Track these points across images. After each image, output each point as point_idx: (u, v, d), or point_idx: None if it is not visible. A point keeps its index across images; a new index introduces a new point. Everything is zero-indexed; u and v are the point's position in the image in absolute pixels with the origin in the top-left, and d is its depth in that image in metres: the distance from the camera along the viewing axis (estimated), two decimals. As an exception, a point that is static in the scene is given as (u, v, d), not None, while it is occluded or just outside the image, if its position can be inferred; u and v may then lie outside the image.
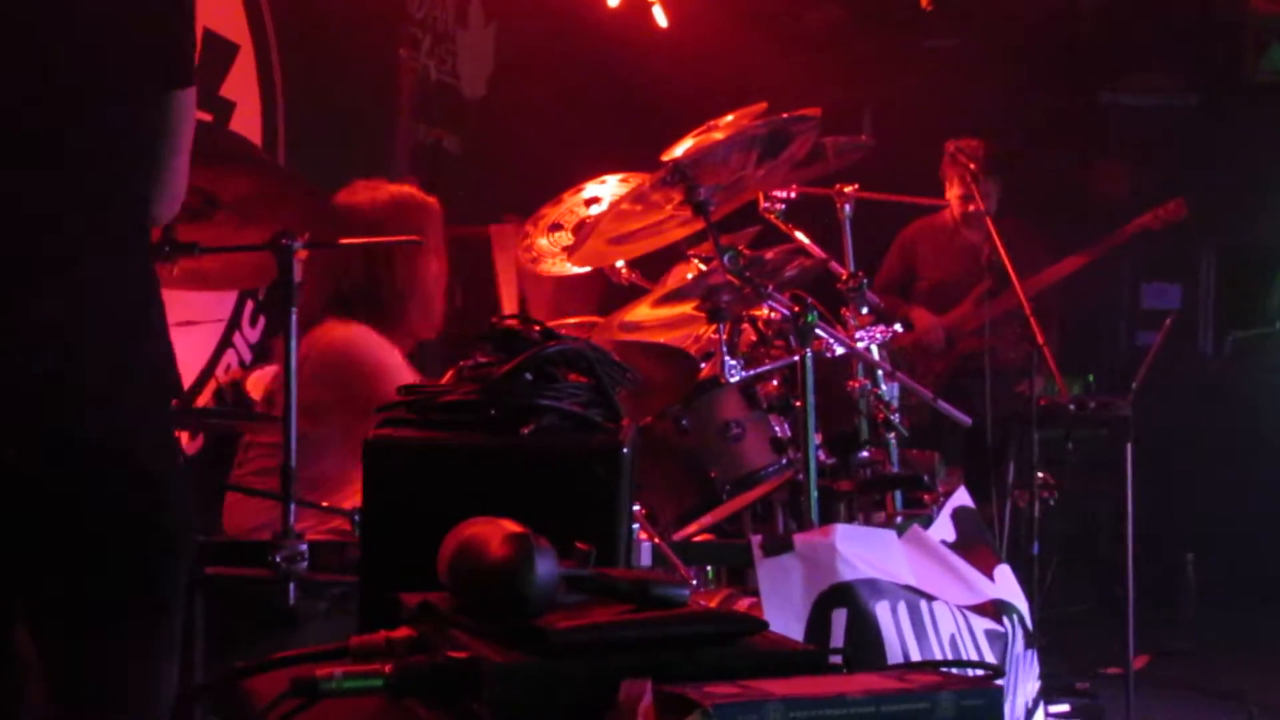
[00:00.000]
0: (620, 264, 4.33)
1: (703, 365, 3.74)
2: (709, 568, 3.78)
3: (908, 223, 6.44)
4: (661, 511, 3.55)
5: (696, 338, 3.92)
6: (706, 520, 3.64)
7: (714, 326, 3.63)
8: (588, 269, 4.32)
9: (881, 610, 2.97)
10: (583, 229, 4.09)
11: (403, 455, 2.04)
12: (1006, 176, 6.20)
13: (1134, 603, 4.81)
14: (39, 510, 2.08)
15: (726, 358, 3.56)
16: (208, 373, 4.42)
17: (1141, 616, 4.89)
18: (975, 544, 3.48)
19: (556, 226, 4.33)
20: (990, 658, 3.10)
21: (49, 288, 2.06)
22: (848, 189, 4.45)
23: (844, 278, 4.12)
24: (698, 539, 3.62)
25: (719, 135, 3.71)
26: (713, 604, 3.12)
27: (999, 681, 1.43)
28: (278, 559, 2.75)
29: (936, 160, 6.18)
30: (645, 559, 3.05)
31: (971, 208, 6.02)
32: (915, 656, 2.92)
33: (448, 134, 6.34)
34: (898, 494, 4.08)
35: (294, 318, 2.92)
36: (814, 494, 3.33)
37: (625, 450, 2.02)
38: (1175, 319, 5.82)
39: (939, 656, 2.97)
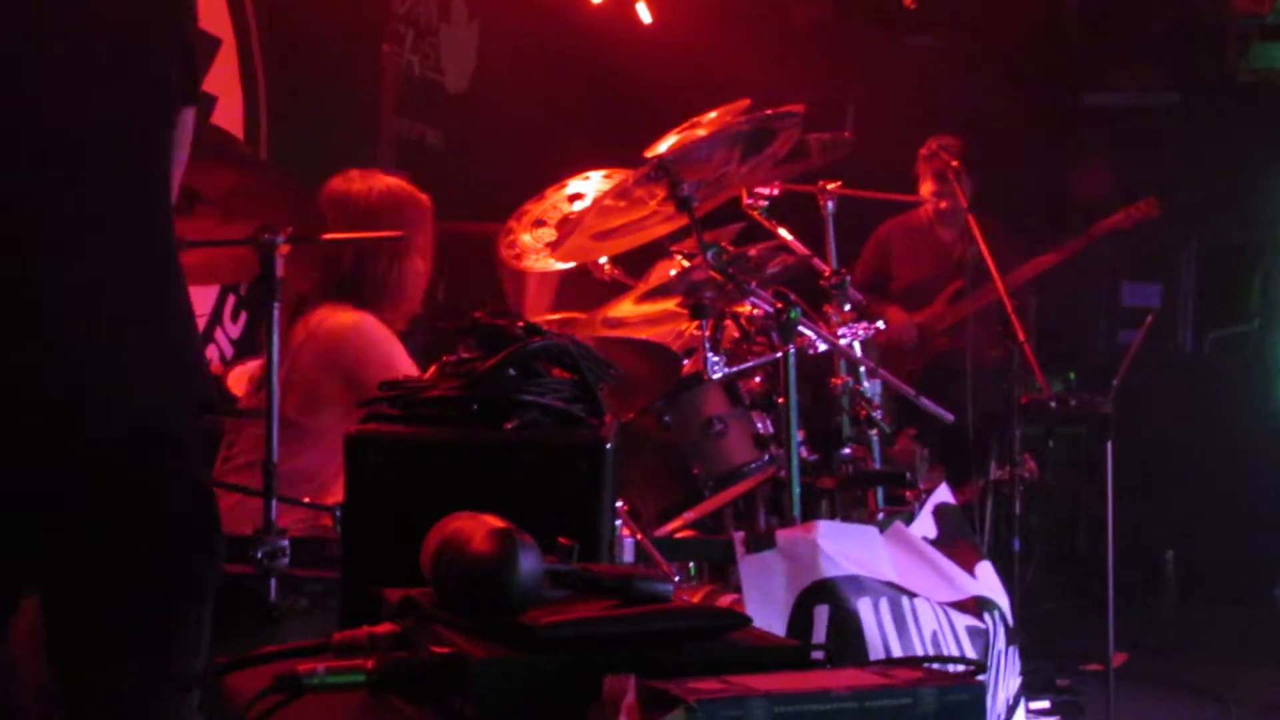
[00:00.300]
0: (603, 260, 4.32)
1: (685, 361, 3.74)
2: (691, 564, 3.78)
3: (888, 220, 6.43)
4: (644, 507, 3.55)
5: (679, 334, 3.92)
6: (689, 516, 3.64)
7: (697, 323, 3.63)
8: (570, 265, 4.32)
9: (863, 607, 2.97)
10: (566, 225, 4.09)
11: (385, 450, 2.03)
12: (989, 175, 6.20)
13: (1114, 600, 4.82)
14: (61, 506, 2.08)
15: (709, 354, 3.56)
16: (189, 368, 4.40)
17: (1121, 613, 4.90)
18: (957, 540, 3.49)
19: (540, 222, 4.32)
20: (972, 654, 3.11)
21: (70, 282, 2.09)
22: (831, 186, 4.46)
23: (827, 274, 4.12)
24: (680, 535, 3.62)
25: (702, 131, 3.71)
26: (695, 600, 3.12)
27: (981, 677, 1.43)
28: (259, 555, 2.75)
29: (917, 153, 6.18)
30: (628, 555, 3.04)
31: (944, 204, 6.04)
32: (897, 653, 2.93)
33: (431, 129, 6.33)
34: (880, 491, 4.08)
35: (276, 313, 2.91)
36: (796, 490, 3.34)
37: (609, 446, 2.02)
38: (1155, 317, 5.84)
39: (921, 653, 2.98)
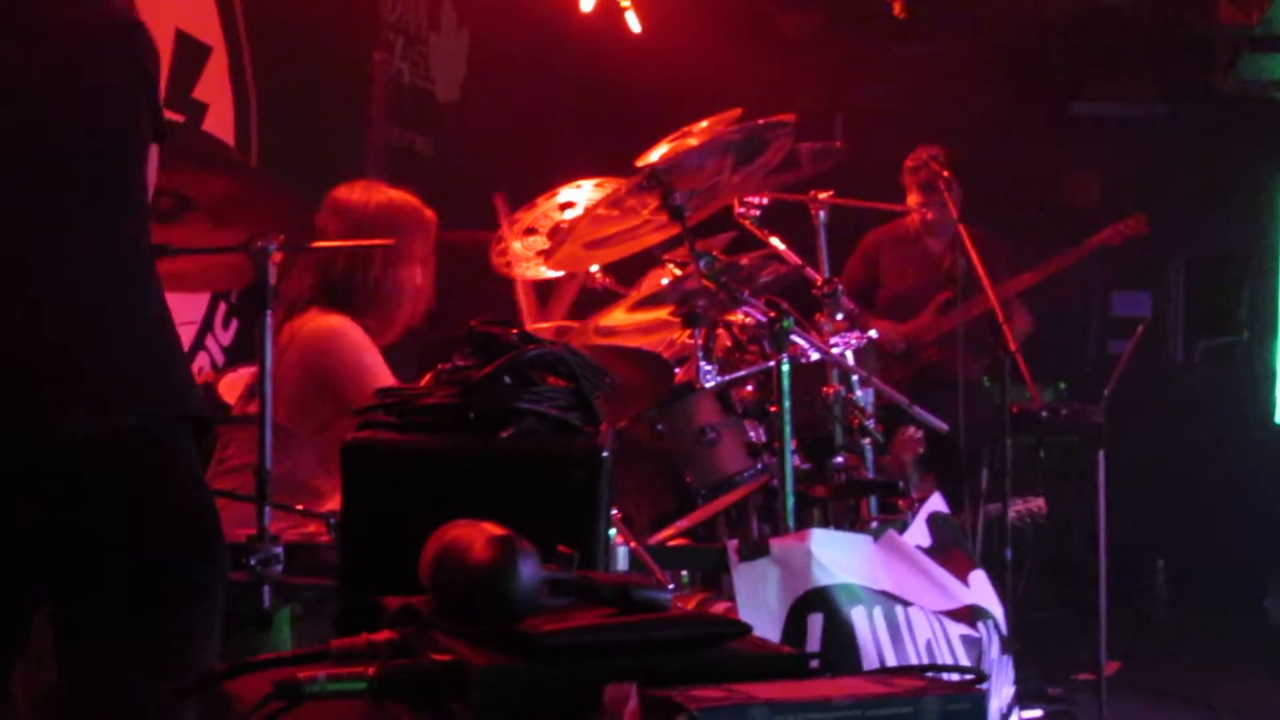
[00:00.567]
0: (595, 268, 4.32)
1: (678, 370, 3.74)
2: (683, 572, 3.78)
3: (874, 229, 6.42)
4: (637, 516, 3.55)
5: (672, 342, 3.92)
6: (682, 524, 3.63)
7: (689, 331, 3.63)
8: (560, 273, 4.32)
9: (857, 615, 2.97)
10: (558, 233, 4.09)
11: (381, 458, 2.04)
12: (977, 184, 6.20)
13: (1106, 609, 4.82)
14: (55, 506, 2.10)
15: (702, 363, 3.56)
16: (180, 376, 4.39)
17: (1113, 623, 4.90)
18: (950, 549, 3.49)
19: (531, 231, 4.33)
20: (966, 663, 3.11)
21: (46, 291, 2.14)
22: (822, 195, 4.46)
23: (819, 284, 4.12)
24: (673, 543, 3.61)
25: (694, 141, 3.71)
26: (688, 609, 3.12)
27: (982, 686, 1.43)
28: (252, 562, 2.74)
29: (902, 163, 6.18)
30: (621, 563, 3.04)
31: (931, 216, 6.04)
32: (891, 661, 2.93)
33: (421, 137, 6.32)
34: (873, 499, 4.08)
35: (269, 320, 2.91)
36: (790, 499, 3.33)
37: (605, 454, 2.02)
38: (1145, 327, 5.85)
39: (915, 662, 2.98)
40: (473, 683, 1.33)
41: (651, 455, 3.53)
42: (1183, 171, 7.72)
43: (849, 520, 4.05)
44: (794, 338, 3.49)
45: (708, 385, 3.56)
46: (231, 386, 3.91)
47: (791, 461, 3.40)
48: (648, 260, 4.21)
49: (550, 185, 4.34)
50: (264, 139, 4.84)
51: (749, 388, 3.78)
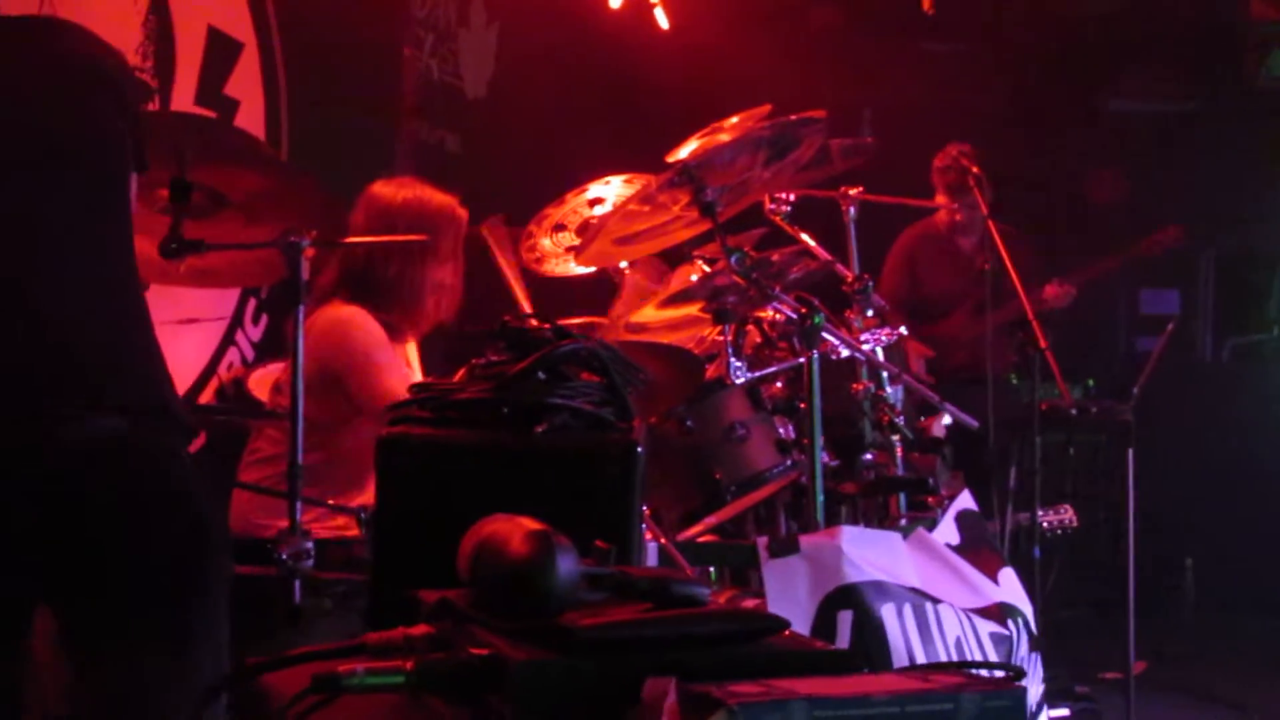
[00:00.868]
0: (623, 264, 4.32)
1: (708, 366, 3.74)
2: (712, 568, 3.78)
3: (909, 225, 6.40)
4: (666, 512, 3.54)
5: (702, 339, 3.91)
6: (710, 521, 3.63)
7: (719, 328, 3.63)
8: (591, 269, 4.32)
9: (887, 612, 2.96)
10: (588, 229, 4.09)
11: (416, 453, 2.04)
12: (1005, 181, 6.18)
13: (1134, 608, 4.80)
14: (48, 511, 2.14)
15: (732, 359, 3.56)
16: (210, 371, 4.41)
17: (1141, 621, 4.88)
18: (979, 547, 3.48)
19: (560, 227, 4.33)
20: (996, 660, 3.09)
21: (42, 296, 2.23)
22: (852, 191, 4.45)
23: (849, 280, 4.11)
24: (702, 540, 3.61)
25: (725, 137, 3.71)
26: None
27: (1023, 683, 1.42)
28: (284, 556, 2.75)
29: (932, 163, 6.16)
30: (651, 559, 3.04)
31: (959, 217, 6.02)
32: (921, 659, 2.92)
33: (450, 134, 6.33)
34: (902, 496, 4.07)
35: (301, 315, 2.92)
36: (819, 496, 3.33)
37: (639, 449, 2.02)
38: (1175, 325, 5.82)
39: (944, 659, 2.96)
40: (511, 677, 1.33)
41: (681, 451, 3.52)
42: (1212, 168, 7.68)
43: (878, 517, 4.04)
44: (824, 334, 3.48)
45: (738, 381, 3.55)
46: (261, 382, 3.93)
47: (821, 458, 3.39)
48: (675, 257, 4.21)
49: (577, 181, 4.34)
50: (294, 135, 4.86)
51: (778, 384, 3.78)
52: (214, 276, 3.33)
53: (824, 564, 2.97)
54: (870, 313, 4.04)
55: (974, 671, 1.42)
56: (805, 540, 3.02)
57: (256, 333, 4.65)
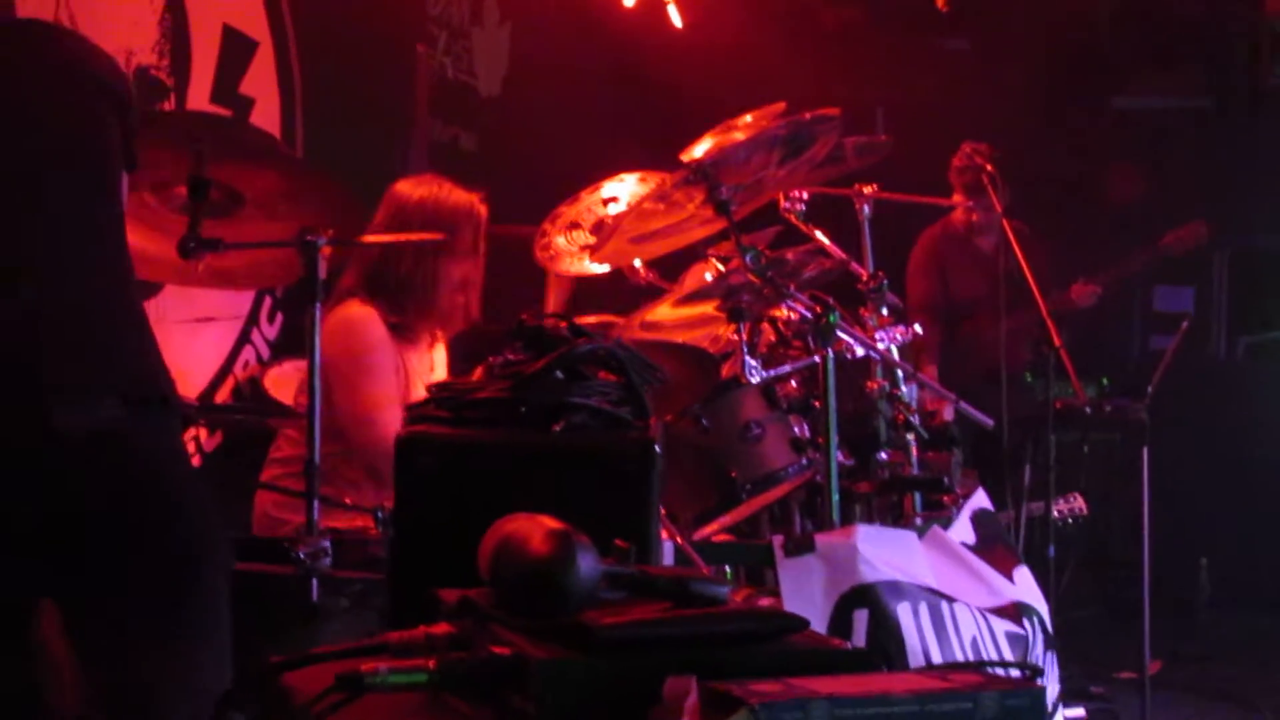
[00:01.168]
0: (638, 263, 4.32)
1: (723, 365, 3.74)
2: (727, 567, 3.78)
3: (924, 224, 6.38)
4: (681, 511, 3.54)
5: (716, 338, 3.91)
6: (726, 520, 3.63)
7: (734, 326, 3.62)
8: (606, 268, 4.32)
9: (903, 611, 2.96)
10: (603, 228, 4.09)
11: (434, 452, 2.04)
12: (1019, 179, 6.16)
13: (1149, 607, 4.79)
14: (47, 508, 2.16)
15: (747, 358, 3.56)
16: (226, 369, 4.42)
17: (1156, 621, 4.87)
18: (994, 546, 3.47)
19: (574, 225, 4.33)
20: (1011, 660, 3.09)
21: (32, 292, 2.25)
22: (867, 189, 4.44)
23: (864, 278, 4.11)
24: (717, 539, 3.61)
25: (740, 135, 3.70)
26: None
27: (1041, 682, 1.42)
28: (301, 555, 2.75)
29: (949, 162, 6.14)
30: (667, 558, 3.04)
31: (976, 217, 6.01)
32: (936, 658, 2.92)
33: (464, 132, 6.34)
34: (917, 496, 4.07)
35: (318, 313, 2.92)
36: (835, 495, 3.32)
37: (657, 448, 2.02)
38: (1189, 323, 5.81)
39: (960, 658, 2.96)
40: (533, 676, 1.34)
41: (696, 450, 3.52)
42: (1226, 165, 7.66)
43: (893, 516, 4.03)
44: (839, 333, 3.48)
45: (752, 380, 3.55)
46: (277, 381, 3.94)
47: (836, 457, 3.39)
48: (689, 255, 4.20)
49: (592, 179, 4.34)
50: (308, 133, 4.87)
51: (793, 383, 3.77)
52: (228, 278, 3.33)
53: (839, 563, 2.97)
54: (885, 311, 4.04)
55: (992, 671, 1.42)
56: (820, 539, 3.02)
57: (272, 331, 4.66)
